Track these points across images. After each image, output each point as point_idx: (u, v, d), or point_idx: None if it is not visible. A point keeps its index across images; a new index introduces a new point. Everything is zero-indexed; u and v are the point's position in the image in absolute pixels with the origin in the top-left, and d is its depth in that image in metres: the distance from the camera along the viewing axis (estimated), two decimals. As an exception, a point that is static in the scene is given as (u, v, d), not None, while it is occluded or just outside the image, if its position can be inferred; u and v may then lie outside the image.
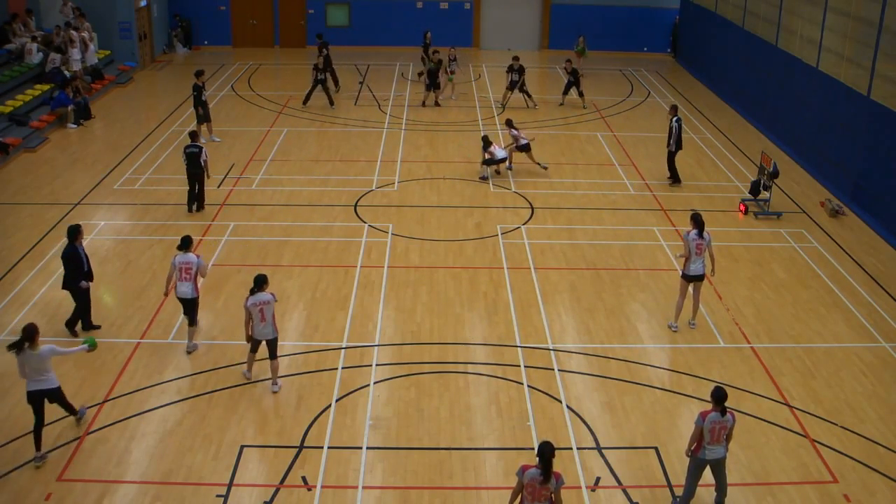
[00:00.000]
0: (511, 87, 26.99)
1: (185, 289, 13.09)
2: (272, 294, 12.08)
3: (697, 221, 13.80)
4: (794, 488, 10.70)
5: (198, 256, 13.14)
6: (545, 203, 19.40)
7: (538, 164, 21.15)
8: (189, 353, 13.28)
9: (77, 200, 19.07)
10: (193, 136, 18.62)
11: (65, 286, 13.60)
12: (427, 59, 27.85)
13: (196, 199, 18.39)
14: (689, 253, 13.73)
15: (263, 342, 12.22)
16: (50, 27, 28.60)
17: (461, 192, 20.05)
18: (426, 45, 29.85)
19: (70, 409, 11.36)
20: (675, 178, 20.85)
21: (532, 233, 17.79)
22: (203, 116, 22.69)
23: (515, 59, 27.12)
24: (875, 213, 18.76)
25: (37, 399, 10.82)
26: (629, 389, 12.61)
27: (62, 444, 11.12)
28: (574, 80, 26.90)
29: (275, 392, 12.24)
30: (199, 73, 22.87)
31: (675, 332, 14.09)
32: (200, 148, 18.19)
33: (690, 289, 14.10)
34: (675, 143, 20.41)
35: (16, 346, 10.67)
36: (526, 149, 20.98)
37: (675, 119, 20.52)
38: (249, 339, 12.22)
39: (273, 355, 12.23)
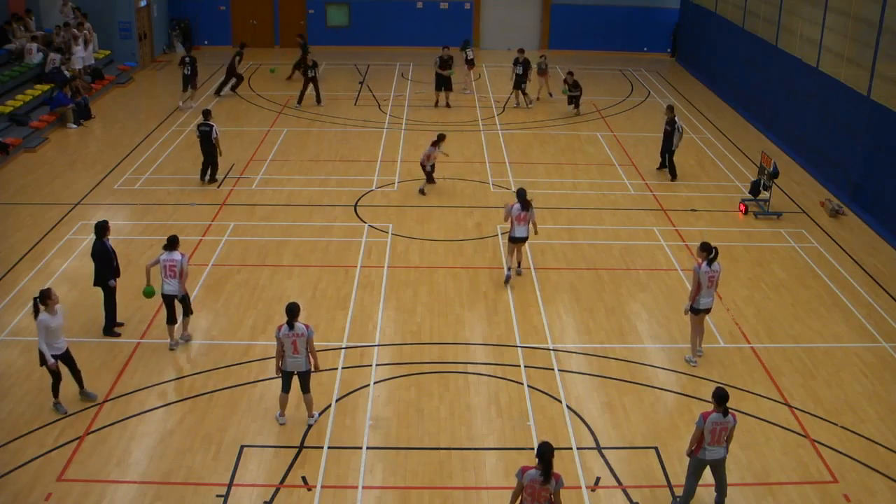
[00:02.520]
0: (517, 84, 26.97)
1: (171, 287, 13.05)
2: (307, 326, 11.20)
3: (708, 251, 12.80)
4: (794, 488, 10.70)
5: (182, 255, 13.08)
6: (545, 203, 19.38)
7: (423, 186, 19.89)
8: (185, 341, 13.39)
9: (77, 200, 19.07)
10: (206, 114, 19.87)
11: (96, 283, 13.65)
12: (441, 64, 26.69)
13: (210, 171, 19.96)
14: (701, 286, 12.76)
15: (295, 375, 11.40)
16: (50, 27, 28.60)
17: (461, 192, 20.05)
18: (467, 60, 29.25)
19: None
20: (674, 173, 21.18)
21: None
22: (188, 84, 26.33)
23: (521, 51, 27.24)
24: (875, 213, 18.76)
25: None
26: (629, 389, 12.61)
27: (62, 444, 11.12)
28: (571, 89, 26.27)
29: (311, 424, 11.57)
30: (188, 48, 27.08)
31: (694, 366, 13.15)
32: (211, 126, 19.56)
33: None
34: (678, 141, 20.93)
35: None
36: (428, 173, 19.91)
37: (677, 119, 20.96)
38: (279, 371, 11.40)
39: (305, 388, 11.43)
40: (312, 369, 11.42)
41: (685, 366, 13.22)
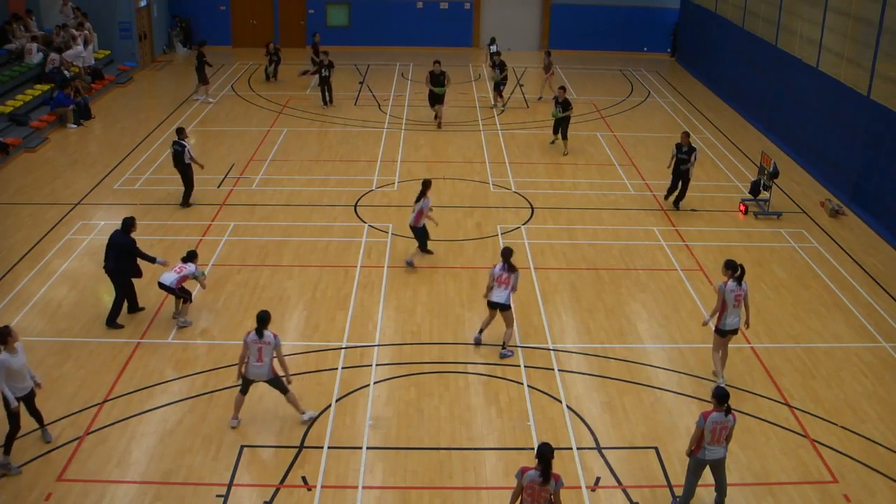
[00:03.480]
0: (496, 87, 26.59)
1: (166, 276, 13.64)
2: (275, 335, 11.20)
3: (734, 269, 12.20)
4: (794, 488, 10.70)
5: (197, 267, 13.87)
6: (545, 203, 19.39)
7: (412, 259, 16.14)
8: (181, 327, 13.87)
9: (77, 200, 19.06)
10: (179, 132, 18.77)
11: (113, 273, 13.92)
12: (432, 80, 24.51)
13: (184, 193, 18.75)
14: (727, 305, 12.17)
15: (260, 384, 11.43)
16: (50, 27, 28.60)
17: (461, 192, 20.05)
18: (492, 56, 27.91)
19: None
20: (683, 196, 19.25)
21: (532, 233, 17.79)
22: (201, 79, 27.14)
23: (497, 53, 26.89)
24: (875, 213, 18.77)
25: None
26: (629, 389, 12.61)
27: (62, 444, 11.11)
28: (562, 109, 22.37)
29: (305, 421, 11.54)
30: (201, 43, 27.64)
31: (723, 385, 12.20)
32: (183, 146, 18.32)
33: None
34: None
35: None
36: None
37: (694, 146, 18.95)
38: (240, 376, 11.33)
39: (283, 390, 11.37)
40: (286, 379, 11.31)
41: (685, 366, 13.22)
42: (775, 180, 18.98)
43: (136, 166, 21.25)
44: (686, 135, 18.91)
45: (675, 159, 18.78)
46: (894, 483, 10.86)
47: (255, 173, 20.87)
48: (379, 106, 27.21)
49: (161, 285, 13.69)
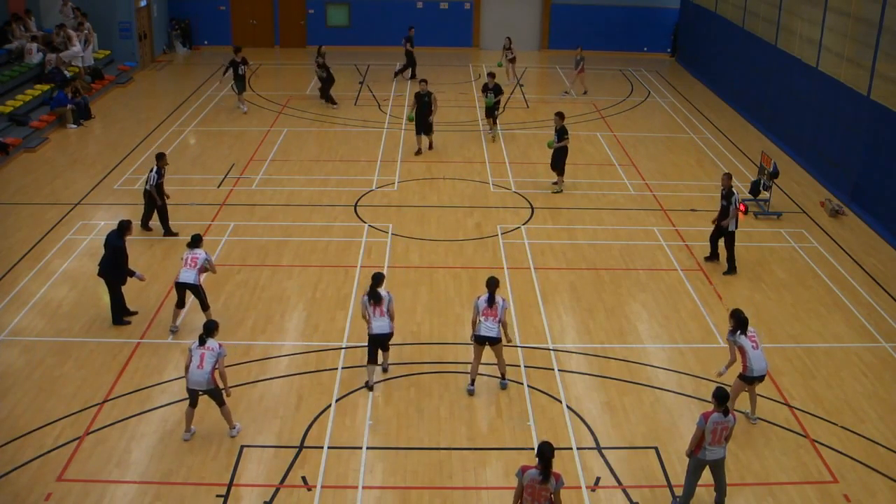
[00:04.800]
0: (489, 113, 23.85)
1: (188, 275, 13.43)
2: (221, 345, 11.12)
3: (738, 318, 11.48)
4: (794, 488, 10.70)
5: (206, 252, 13.75)
6: (545, 203, 19.39)
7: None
8: (173, 332, 13.73)
9: (77, 200, 19.06)
10: (157, 157, 17.20)
11: (102, 275, 13.84)
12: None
13: (143, 218, 17.25)
14: (746, 351, 11.44)
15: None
16: (50, 27, 28.59)
17: (461, 192, 20.05)
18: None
19: None
20: (733, 264, 16.34)
21: (532, 233, 17.79)
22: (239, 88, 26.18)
23: (491, 75, 24.07)
24: (875, 213, 18.77)
25: None
26: (629, 389, 12.61)
27: (62, 444, 11.11)
28: (558, 137, 19.70)
29: (233, 437, 11.30)
30: (236, 49, 26.32)
31: (755, 423, 11.93)
32: (150, 171, 16.89)
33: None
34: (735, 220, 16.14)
35: None
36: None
37: (734, 189, 16.24)
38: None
39: (220, 402, 11.20)
40: (225, 391, 11.19)
41: (685, 366, 13.22)
42: (775, 180, 18.99)
43: (136, 166, 21.24)
44: (727, 176, 16.24)
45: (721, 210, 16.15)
46: (894, 483, 10.86)
47: (255, 173, 20.87)
48: (379, 106, 27.21)
49: (183, 285, 13.47)
